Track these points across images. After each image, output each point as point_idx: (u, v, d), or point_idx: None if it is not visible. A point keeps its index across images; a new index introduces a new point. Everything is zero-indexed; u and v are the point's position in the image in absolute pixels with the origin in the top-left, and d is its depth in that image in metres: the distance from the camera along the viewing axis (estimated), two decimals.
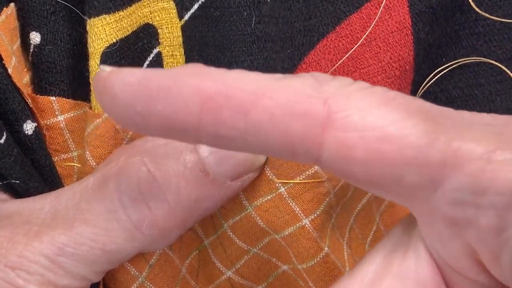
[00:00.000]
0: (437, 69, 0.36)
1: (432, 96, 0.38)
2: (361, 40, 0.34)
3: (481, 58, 0.35)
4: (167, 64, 0.35)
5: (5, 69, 0.33)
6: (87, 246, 0.30)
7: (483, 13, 0.35)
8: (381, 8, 0.34)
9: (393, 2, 0.35)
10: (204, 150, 0.32)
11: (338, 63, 0.35)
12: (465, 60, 0.36)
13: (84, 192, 0.31)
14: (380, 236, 0.39)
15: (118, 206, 0.30)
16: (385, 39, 0.35)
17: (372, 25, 0.34)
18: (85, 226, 0.30)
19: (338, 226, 0.36)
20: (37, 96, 0.35)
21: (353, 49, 0.34)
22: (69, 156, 0.35)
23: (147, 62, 0.34)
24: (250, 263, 0.36)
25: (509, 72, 0.36)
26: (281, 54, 0.34)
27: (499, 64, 0.36)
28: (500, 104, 0.36)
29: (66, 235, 0.30)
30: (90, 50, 0.34)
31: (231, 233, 0.36)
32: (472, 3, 0.35)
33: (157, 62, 0.34)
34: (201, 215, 0.33)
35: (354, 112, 0.22)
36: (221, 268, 0.37)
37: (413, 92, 0.37)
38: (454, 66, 0.36)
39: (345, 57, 0.35)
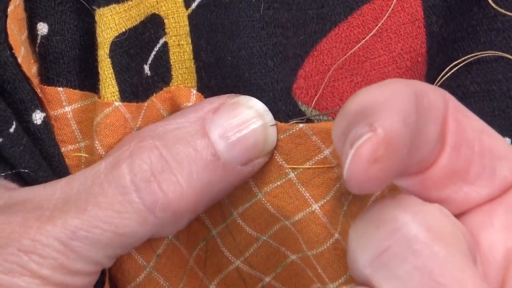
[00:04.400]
0: (452, 63, 0.37)
1: (449, 90, 0.39)
2: (373, 31, 0.36)
3: (498, 52, 0.37)
4: (173, 53, 0.36)
5: (15, 59, 0.34)
6: (100, 229, 0.32)
7: (502, 10, 0.36)
8: (394, 0, 0.36)
9: None
10: (215, 134, 0.34)
11: (349, 52, 0.36)
12: (481, 54, 0.37)
13: (96, 177, 0.33)
14: None
15: (131, 188, 0.32)
16: (396, 31, 0.36)
17: (386, 17, 0.36)
18: (98, 209, 0.32)
19: (351, 215, 0.37)
20: (45, 87, 0.36)
21: (365, 39, 0.36)
22: (76, 147, 0.37)
23: (153, 52, 0.36)
24: (259, 252, 0.38)
25: None
26: (293, 40, 0.36)
27: None
28: None
29: (79, 219, 0.31)
30: (99, 39, 0.35)
31: (240, 221, 0.37)
32: (490, 1, 0.36)
33: (164, 52, 0.36)
34: (212, 200, 0.35)
35: None
36: (229, 258, 0.39)
37: None
38: (470, 60, 0.37)
39: (356, 47, 0.36)
